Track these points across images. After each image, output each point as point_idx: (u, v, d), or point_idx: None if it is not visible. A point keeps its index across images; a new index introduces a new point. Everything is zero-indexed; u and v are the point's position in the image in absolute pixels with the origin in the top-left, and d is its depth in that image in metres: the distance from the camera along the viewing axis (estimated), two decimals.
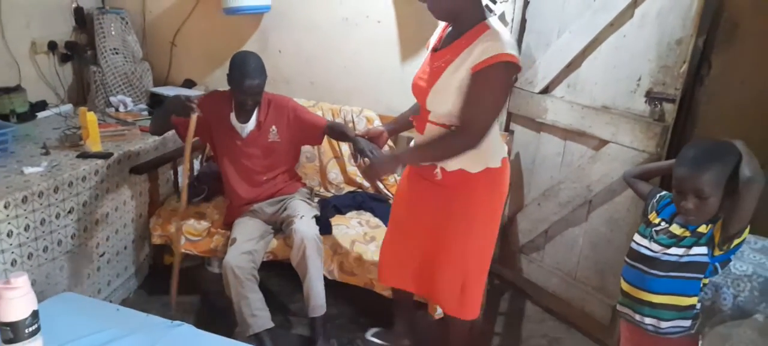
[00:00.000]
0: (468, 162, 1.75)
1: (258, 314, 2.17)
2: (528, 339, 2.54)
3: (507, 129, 2.70)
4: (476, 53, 1.58)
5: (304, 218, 2.30)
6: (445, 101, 1.68)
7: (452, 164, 1.76)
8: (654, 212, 1.60)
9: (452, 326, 2.05)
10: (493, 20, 1.66)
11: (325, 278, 2.28)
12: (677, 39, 1.98)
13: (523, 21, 2.53)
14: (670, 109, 2.05)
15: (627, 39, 2.14)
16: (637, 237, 1.59)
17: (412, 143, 1.97)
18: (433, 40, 1.83)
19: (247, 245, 2.26)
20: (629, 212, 2.25)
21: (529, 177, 2.67)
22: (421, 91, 1.77)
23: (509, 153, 2.64)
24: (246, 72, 2.21)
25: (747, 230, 1.42)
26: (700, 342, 1.58)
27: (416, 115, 1.86)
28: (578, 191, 2.43)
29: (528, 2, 2.51)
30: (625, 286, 1.61)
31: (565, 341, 2.54)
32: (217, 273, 2.87)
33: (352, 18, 2.85)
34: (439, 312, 2.22)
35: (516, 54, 1.58)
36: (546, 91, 2.50)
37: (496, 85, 1.60)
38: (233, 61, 2.25)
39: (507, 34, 1.62)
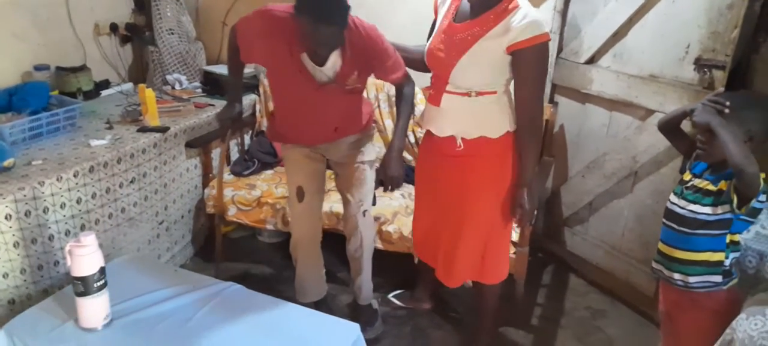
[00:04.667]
0: (489, 128, 1.79)
1: (316, 283, 2.29)
2: (571, 311, 2.54)
3: (551, 100, 2.68)
4: (514, 32, 1.62)
5: (366, 213, 2.16)
6: (475, 74, 1.72)
7: (474, 132, 1.80)
8: (688, 171, 1.60)
9: (481, 292, 2.11)
10: None
11: None
12: (728, 3, 1.92)
13: None
14: (720, 77, 1.99)
15: (676, 5, 2.08)
16: (671, 196, 1.61)
17: (425, 118, 1.95)
18: (443, 9, 1.82)
19: (315, 202, 2.17)
20: (675, 183, 2.19)
21: (574, 149, 2.65)
22: (440, 62, 1.78)
23: (553, 125, 2.65)
24: (321, 11, 1.62)
25: (763, 193, 1.42)
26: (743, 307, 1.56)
27: (427, 87, 1.89)
28: (623, 162, 2.39)
29: None
30: (660, 244, 1.65)
31: (609, 313, 2.53)
32: (268, 242, 3.00)
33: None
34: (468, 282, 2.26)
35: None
36: (591, 61, 2.46)
37: (539, 64, 1.70)
38: None
39: (537, 11, 1.68)
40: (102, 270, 1.58)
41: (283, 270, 2.74)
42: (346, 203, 2.19)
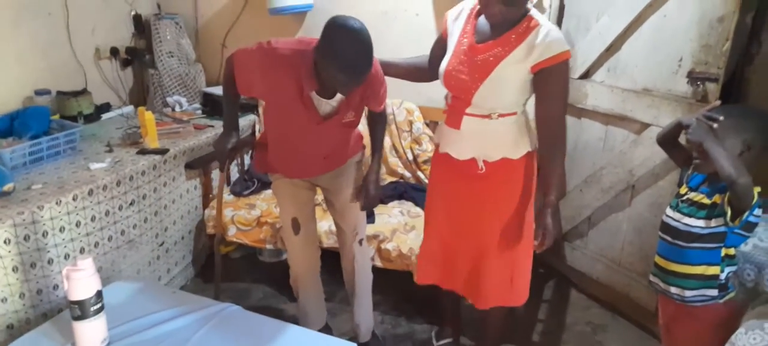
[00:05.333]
0: (510, 149, 1.78)
1: (318, 312, 2.28)
2: (572, 326, 2.53)
3: None
4: (538, 50, 1.62)
5: (363, 242, 2.17)
6: (500, 95, 1.71)
7: (495, 154, 1.78)
8: (685, 185, 1.61)
9: (490, 313, 2.08)
10: (535, 13, 1.69)
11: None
12: (719, 16, 1.93)
13: (562, 6, 2.52)
14: (713, 89, 2.00)
15: (667, 19, 2.10)
16: (667, 209, 1.62)
17: (445, 139, 1.90)
18: (458, 28, 1.80)
19: (311, 231, 2.15)
20: (672, 196, 2.19)
21: (571, 164, 2.65)
22: (462, 84, 1.74)
23: None
24: (356, 68, 1.60)
25: (758, 207, 1.42)
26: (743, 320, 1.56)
27: (445, 109, 1.88)
28: (620, 176, 2.39)
29: None
30: (656, 258, 1.65)
31: (610, 327, 2.51)
32: (268, 262, 3.01)
33: (392, 12, 2.90)
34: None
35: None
36: (586, 76, 2.47)
37: (565, 81, 1.71)
38: (340, 41, 1.58)
39: (557, 29, 1.68)
40: (99, 294, 1.59)
41: (283, 289, 2.74)
42: (340, 231, 2.17)
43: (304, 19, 3.07)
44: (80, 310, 1.56)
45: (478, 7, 1.73)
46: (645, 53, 2.21)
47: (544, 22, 1.66)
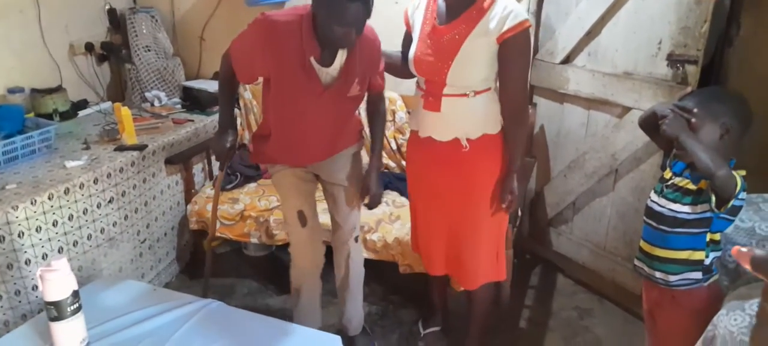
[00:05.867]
0: (490, 125, 1.81)
1: (317, 312, 2.20)
2: (559, 312, 2.54)
3: (530, 102, 2.68)
4: (499, 22, 1.65)
5: (358, 239, 2.15)
6: (472, 71, 1.73)
7: (476, 131, 1.80)
8: (669, 170, 1.60)
9: (475, 298, 2.09)
10: None
11: None
12: None
13: None
14: (693, 71, 2.00)
15: (645, 2, 2.10)
16: (651, 194, 1.61)
17: (423, 123, 1.90)
18: (419, 16, 1.82)
19: (317, 225, 2.06)
20: (656, 180, 2.19)
21: (554, 149, 2.66)
22: (432, 67, 1.76)
23: (533, 126, 2.66)
24: (351, 9, 1.60)
25: (742, 193, 1.41)
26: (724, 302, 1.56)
27: (419, 95, 1.86)
28: (603, 160, 2.40)
29: None
30: (641, 243, 1.64)
31: (596, 312, 2.52)
32: (254, 256, 2.98)
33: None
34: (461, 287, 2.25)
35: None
36: (567, 61, 2.47)
37: (526, 50, 1.75)
38: None
39: (515, 1, 1.70)
40: (75, 294, 1.55)
41: (268, 283, 2.73)
42: (336, 227, 2.10)
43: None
44: (56, 311, 1.53)
45: None
46: (624, 37, 2.21)
47: None
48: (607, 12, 2.23)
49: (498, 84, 1.78)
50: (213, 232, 2.36)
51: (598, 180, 2.46)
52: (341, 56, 1.78)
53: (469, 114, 1.79)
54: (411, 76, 1.93)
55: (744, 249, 0.88)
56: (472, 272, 1.98)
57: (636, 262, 1.68)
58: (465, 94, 1.75)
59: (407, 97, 2.86)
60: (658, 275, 1.59)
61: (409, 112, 2.88)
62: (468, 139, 1.80)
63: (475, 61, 1.71)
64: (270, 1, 2.87)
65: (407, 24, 1.89)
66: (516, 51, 1.70)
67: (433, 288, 2.29)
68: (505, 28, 1.65)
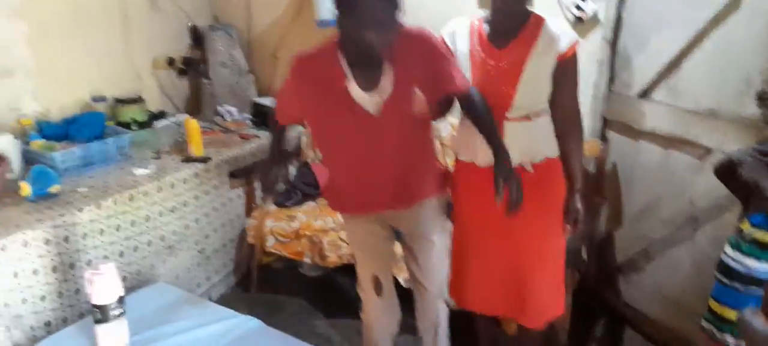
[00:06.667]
0: (550, 147, 1.76)
1: None
2: None
3: (602, 136, 2.50)
4: (556, 41, 1.65)
5: (446, 301, 1.94)
6: (536, 91, 1.70)
7: (539, 154, 1.75)
8: (746, 221, 1.42)
9: (526, 340, 1.96)
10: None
11: None
12: None
13: (619, 19, 2.34)
14: None
15: (734, 34, 1.90)
16: (726, 247, 1.44)
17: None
18: (462, 43, 1.73)
19: (392, 288, 1.91)
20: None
21: (627, 189, 2.46)
22: (495, 91, 1.68)
23: (604, 163, 2.48)
24: (371, 12, 1.44)
25: None
26: None
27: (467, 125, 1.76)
28: (681, 206, 2.18)
29: None
30: (710, 301, 1.47)
31: None
32: (309, 275, 2.98)
33: (435, 24, 2.81)
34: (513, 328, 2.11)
35: None
36: (644, 94, 2.28)
37: (577, 68, 1.73)
38: None
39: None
40: (120, 299, 1.61)
41: (318, 305, 2.71)
42: (420, 289, 1.90)
43: None
44: (101, 314, 1.59)
45: (477, 21, 1.74)
46: (709, 71, 2.01)
47: (545, 15, 1.70)
48: (691, 43, 2.04)
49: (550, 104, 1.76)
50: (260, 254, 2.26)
51: (674, 227, 2.24)
52: (388, 73, 1.58)
53: (532, 138, 1.74)
54: (446, 111, 1.85)
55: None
56: (539, 306, 1.85)
57: (704, 323, 1.50)
58: (527, 118, 1.71)
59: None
60: (729, 340, 1.41)
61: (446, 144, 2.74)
62: (532, 164, 1.74)
63: (540, 80, 1.69)
64: None
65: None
66: (573, 69, 1.71)
67: (480, 328, 2.17)
68: (565, 46, 1.66)
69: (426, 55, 1.61)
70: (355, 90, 1.59)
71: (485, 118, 1.65)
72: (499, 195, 1.53)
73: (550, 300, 1.88)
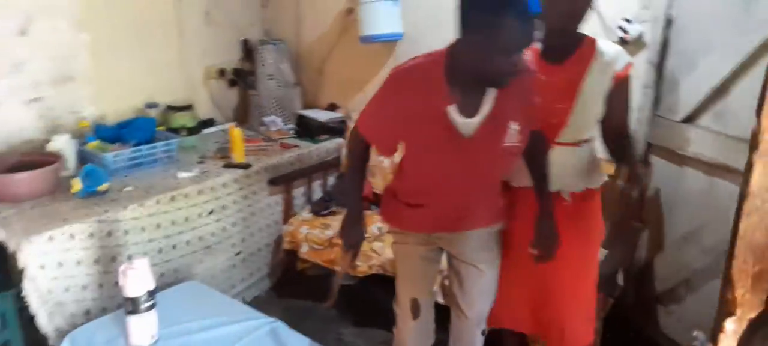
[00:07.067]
0: (594, 179, 1.74)
1: None
2: None
3: (645, 161, 2.42)
4: (612, 61, 1.63)
5: (485, 333, 1.87)
6: (590, 112, 1.67)
7: (580, 184, 1.72)
8: None
9: None
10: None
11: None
12: None
13: (665, 42, 2.27)
14: None
15: None
16: None
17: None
18: None
19: (430, 313, 1.85)
20: None
21: (669, 216, 2.36)
22: (552, 110, 1.65)
23: (646, 188, 2.39)
24: (511, 34, 1.32)
25: None
26: None
27: None
28: (726, 236, 2.04)
29: (671, 21, 2.24)
30: None
31: None
32: (342, 283, 3.00)
33: None
34: None
35: None
36: (690, 119, 2.20)
37: (631, 91, 1.71)
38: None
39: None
40: (151, 293, 1.69)
41: (347, 313, 2.73)
42: (459, 313, 1.83)
43: (394, 48, 3.09)
44: (132, 306, 1.67)
45: None
46: (757, 98, 1.91)
47: (594, 36, 1.69)
48: (741, 68, 1.96)
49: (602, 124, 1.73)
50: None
51: (718, 258, 2.12)
52: (490, 100, 1.49)
53: (574, 165, 1.71)
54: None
55: None
56: (567, 334, 1.82)
57: None
58: (575, 143, 1.68)
59: None
60: None
61: None
62: (571, 193, 1.72)
63: (595, 99, 1.66)
64: (382, 39, 2.95)
65: None
66: (627, 90, 1.68)
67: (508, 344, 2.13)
68: (622, 66, 1.64)
69: (527, 89, 1.54)
70: (454, 114, 1.49)
71: (545, 162, 1.67)
72: (534, 247, 1.65)
73: (581, 329, 1.84)
